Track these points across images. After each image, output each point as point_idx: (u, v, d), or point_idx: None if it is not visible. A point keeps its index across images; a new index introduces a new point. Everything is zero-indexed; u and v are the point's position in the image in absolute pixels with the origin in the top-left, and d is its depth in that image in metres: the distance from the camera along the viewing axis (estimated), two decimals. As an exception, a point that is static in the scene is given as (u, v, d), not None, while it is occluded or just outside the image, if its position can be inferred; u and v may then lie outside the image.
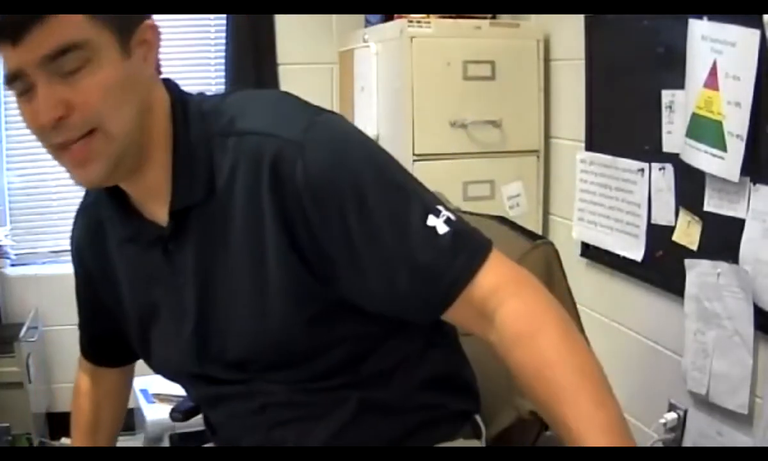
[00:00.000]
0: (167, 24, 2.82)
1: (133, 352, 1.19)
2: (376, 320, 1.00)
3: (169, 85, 1.01)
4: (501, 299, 0.91)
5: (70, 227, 1.18)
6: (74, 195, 1.76)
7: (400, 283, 0.93)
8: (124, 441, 2.50)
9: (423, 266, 0.92)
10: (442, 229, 0.92)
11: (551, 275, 1.25)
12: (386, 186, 0.94)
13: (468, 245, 0.93)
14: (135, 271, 1.07)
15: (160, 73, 1.00)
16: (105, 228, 1.10)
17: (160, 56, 0.99)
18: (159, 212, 1.00)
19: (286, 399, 1.03)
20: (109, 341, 1.23)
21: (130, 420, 2.59)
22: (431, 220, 0.92)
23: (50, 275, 2.77)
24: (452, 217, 0.94)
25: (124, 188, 1.02)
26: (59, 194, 2.84)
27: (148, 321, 1.09)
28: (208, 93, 1.06)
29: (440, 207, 0.94)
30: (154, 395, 2.32)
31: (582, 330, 1.27)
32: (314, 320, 0.98)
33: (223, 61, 2.84)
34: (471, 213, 1.47)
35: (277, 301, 0.97)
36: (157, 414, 2.25)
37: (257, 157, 0.94)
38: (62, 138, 0.91)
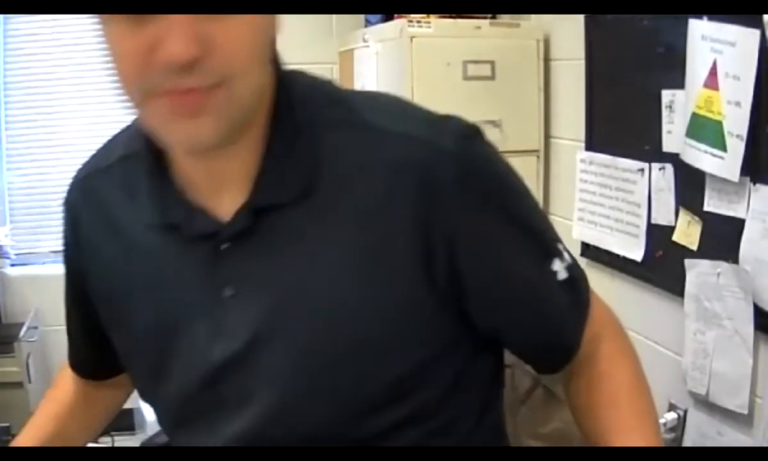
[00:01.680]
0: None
1: None
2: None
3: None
4: (596, 346, 0.92)
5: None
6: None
7: (526, 335, 0.90)
8: (124, 441, 2.50)
9: (549, 317, 0.89)
10: (562, 275, 0.87)
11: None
12: (530, 224, 0.88)
13: (580, 297, 0.91)
14: (158, 269, 0.84)
15: None
16: (118, 204, 0.88)
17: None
18: (223, 204, 0.79)
19: None
20: (105, 352, 0.97)
21: (130, 420, 2.59)
22: (556, 264, 0.88)
23: (50, 275, 2.75)
24: (570, 260, 0.90)
25: (183, 164, 0.81)
26: (59, 194, 2.82)
27: (167, 337, 0.84)
28: None
29: (560, 246, 0.90)
30: (154, 395, 2.32)
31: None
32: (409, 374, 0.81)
33: (223, 61, 2.84)
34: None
35: (389, 341, 0.78)
36: (157, 414, 2.24)
37: (397, 163, 0.77)
38: (172, 84, 0.68)
